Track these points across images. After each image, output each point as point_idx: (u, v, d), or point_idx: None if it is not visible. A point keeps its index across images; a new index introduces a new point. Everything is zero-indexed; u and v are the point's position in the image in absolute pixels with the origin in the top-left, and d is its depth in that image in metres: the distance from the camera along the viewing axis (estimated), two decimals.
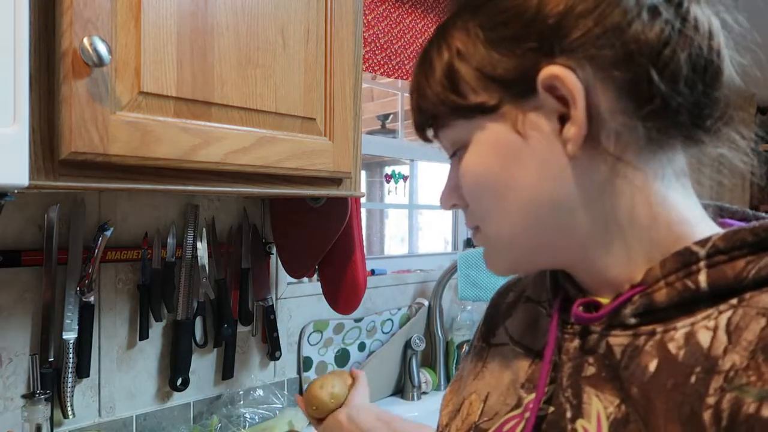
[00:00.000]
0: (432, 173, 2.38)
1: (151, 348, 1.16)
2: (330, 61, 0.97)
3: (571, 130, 0.42)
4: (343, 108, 0.99)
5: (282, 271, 1.36)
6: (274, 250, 1.34)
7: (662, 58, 0.41)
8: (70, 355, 1.02)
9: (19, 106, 0.58)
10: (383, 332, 1.62)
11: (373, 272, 1.68)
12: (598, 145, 0.43)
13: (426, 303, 1.72)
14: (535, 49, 0.42)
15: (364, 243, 1.32)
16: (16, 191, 0.69)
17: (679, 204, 0.44)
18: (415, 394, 1.61)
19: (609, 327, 0.44)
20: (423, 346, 1.63)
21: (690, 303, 0.40)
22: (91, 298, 1.04)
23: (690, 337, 0.39)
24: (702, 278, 0.40)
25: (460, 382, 0.61)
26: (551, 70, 0.41)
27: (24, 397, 0.95)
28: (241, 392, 1.29)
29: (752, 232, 0.39)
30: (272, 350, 1.33)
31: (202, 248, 1.20)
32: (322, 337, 1.46)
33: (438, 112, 0.49)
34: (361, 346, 1.57)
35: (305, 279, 1.45)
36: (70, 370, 1.02)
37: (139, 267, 1.13)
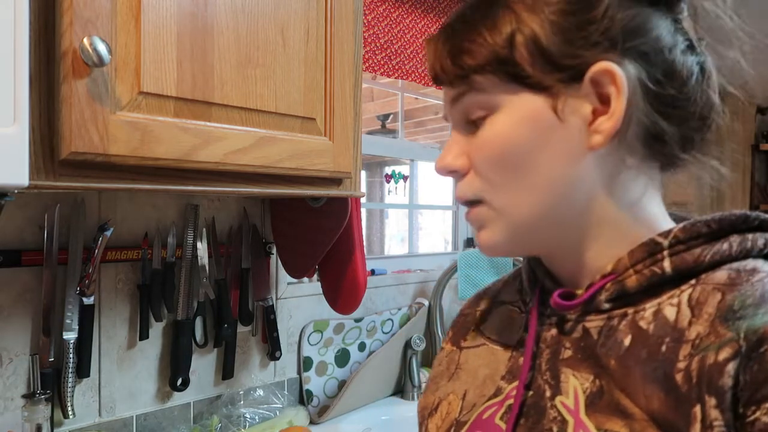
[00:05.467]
0: (432, 173, 2.38)
1: (151, 348, 1.16)
2: (330, 61, 0.97)
3: (606, 123, 0.46)
4: (343, 108, 0.99)
5: (282, 271, 1.36)
6: (274, 250, 1.34)
7: (685, 89, 0.47)
8: (70, 355, 1.02)
9: (19, 106, 0.58)
10: (383, 332, 1.62)
11: (373, 272, 1.68)
12: (616, 144, 0.47)
13: (426, 303, 1.72)
14: (593, 44, 0.46)
15: (364, 243, 1.32)
16: (16, 191, 0.69)
17: (657, 211, 0.51)
18: (415, 394, 1.61)
19: (584, 313, 0.49)
20: (423, 346, 1.63)
21: (656, 286, 0.46)
22: (91, 298, 1.04)
23: (657, 313, 0.45)
24: (666, 264, 0.46)
25: (433, 384, 0.63)
26: (604, 65, 0.45)
27: (24, 397, 0.95)
28: (241, 392, 1.29)
29: (706, 224, 0.46)
30: (272, 350, 1.33)
31: (202, 248, 1.20)
32: (322, 337, 1.46)
33: (482, 70, 0.48)
34: (361, 346, 1.57)
35: (305, 279, 1.45)
36: (70, 370, 1.02)
37: (139, 267, 1.13)
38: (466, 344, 0.62)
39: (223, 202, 1.27)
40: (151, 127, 0.75)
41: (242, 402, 1.27)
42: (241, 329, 1.30)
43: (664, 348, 0.43)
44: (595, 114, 0.47)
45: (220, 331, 1.23)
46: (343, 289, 1.25)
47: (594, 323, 0.49)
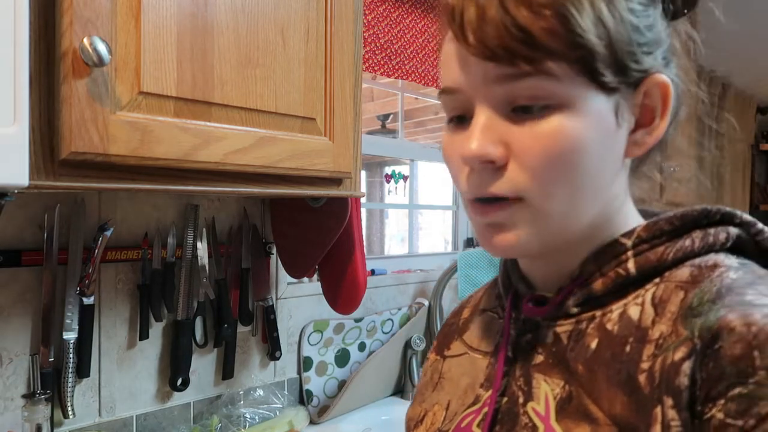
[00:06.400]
0: (432, 173, 2.38)
1: (151, 348, 1.16)
2: (330, 61, 0.97)
3: (648, 138, 0.46)
4: (343, 108, 0.99)
5: (282, 271, 1.36)
6: (274, 250, 1.34)
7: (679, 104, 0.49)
8: (70, 355, 1.02)
9: (19, 106, 0.58)
10: (383, 332, 1.62)
11: (373, 272, 1.68)
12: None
13: (426, 303, 1.72)
14: (649, 53, 0.45)
15: (364, 243, 1.32)
16: (16, 191, 0.69)
17: (631, 207, 0.51)
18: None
19: (555, 318, 0.49)
20: (423, 346, 1.63)
21: (622, 287, 0.46)
22: (91, 298, 1.04)
23: (623, 314, 0.45)
24: (631, 265, 0.46)
25: (420, 395, 0.64)
26: (663, 79, 0.45)
27: (24, 397, 0.95)
28: (241, 392, 1.29)
29: (668, 221, 0.46)
30: (272, 350, 1.33)
31: (202, 248, 1.20)
32: (322, 337, 1.46)
33: (559, 56, 0.41)
34: (361, 346, 1.57)
35: (305, 279, 1.45)
36: (70, 370, 1.02)
37: (139, 267, 1.13)
38: (449, 353, 0.62)
39: (223, 202, 1.27)
40: (151, 127, 0.75)
41: (242, 402, 1.27)
42: (241, 329, 1.30)
43: (628, 348, 0.43)
44: (636, 125, 0.46)
45: (220, 331, 1.23)
46: (343, 289, 1.25)
47: (564, 328, 0.48)
